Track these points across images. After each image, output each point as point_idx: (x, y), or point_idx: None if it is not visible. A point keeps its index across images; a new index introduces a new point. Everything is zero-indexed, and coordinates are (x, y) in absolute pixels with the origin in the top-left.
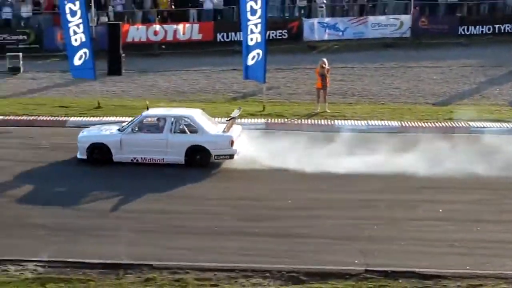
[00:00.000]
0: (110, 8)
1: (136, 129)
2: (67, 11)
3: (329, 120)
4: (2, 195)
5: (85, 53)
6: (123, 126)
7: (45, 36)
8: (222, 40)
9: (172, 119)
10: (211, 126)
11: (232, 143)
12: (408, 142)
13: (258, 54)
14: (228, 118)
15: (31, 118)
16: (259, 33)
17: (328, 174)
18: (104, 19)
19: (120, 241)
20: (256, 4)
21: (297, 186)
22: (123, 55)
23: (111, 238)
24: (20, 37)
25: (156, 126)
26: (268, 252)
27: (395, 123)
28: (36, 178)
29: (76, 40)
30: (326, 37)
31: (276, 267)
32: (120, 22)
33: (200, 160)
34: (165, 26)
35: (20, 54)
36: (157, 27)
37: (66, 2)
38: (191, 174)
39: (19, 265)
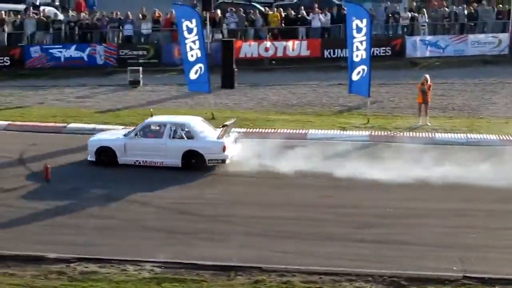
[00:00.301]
0: (224, 25)
1: (139, 135)
2: (184, 28)
3: (429, 133)
4: (121, 199)
5: (200, 67)
6: (128, 132)
7: (163, 52)
8: (329, 56)
9: (171, 125)
10: (207, 133)
11: (224, 148)
12: (505, 155)
13: (363, 69)
14: (221, 126)
15: None
16: (364, 50)
17: (423, 183)
18: (219, 36)
19: (231, 244)
20: (362, 22)
21: (394, 195)
22: (236, 69)
23: (222, 242)
24: (140, 52)
25: (157, 132)
26: (370, 258)
27: (493, 137)
28: (152, 183)
29: (192, 55)
30: (427, 54)
31: (378, 272)
32: (234, 39)
33: (195, 164)
34: (276, 42)
35: (140, 68)
36: (268, 43)
37: (183, 20)
38: (288, 182)
39: (137, 265)
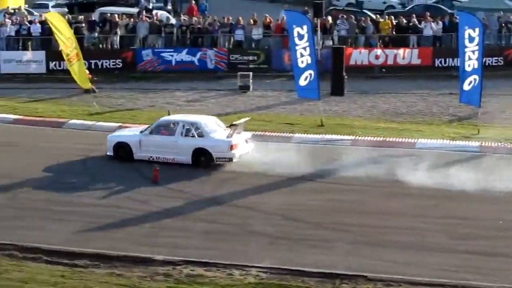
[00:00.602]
0: (335, 32)
1: (154, 132)
2: (295, 34)
3: None
4: (228, 203)
5: (310, 74)
6: (144, 129)
7: (273, 57)
8: (440, 65)
9: (183, 124)
10: (217, 132)
11: (231, 147)
12: None
13: (474, 79)
14: (229, 125)
15: (258, 133)
16: (476, 59)
17: None
18: (329, 42)
19: (336, 252)
20: (474, 32)
21: (503, 207)
22: (346, 76)
23: (327, 249)
24: (251, 57)
25: (170, 130)
26: (476, 270)
27: None
28: (256, 188)
29: (302, 62)
30: None
31: (485, 284)
32: (344, 46)
33: (204, 162)
34: (386, 50)
35: (250, 73)
36: (379, 51)
37: (294, 26)
38: (394, 191)
39: (243, 270)
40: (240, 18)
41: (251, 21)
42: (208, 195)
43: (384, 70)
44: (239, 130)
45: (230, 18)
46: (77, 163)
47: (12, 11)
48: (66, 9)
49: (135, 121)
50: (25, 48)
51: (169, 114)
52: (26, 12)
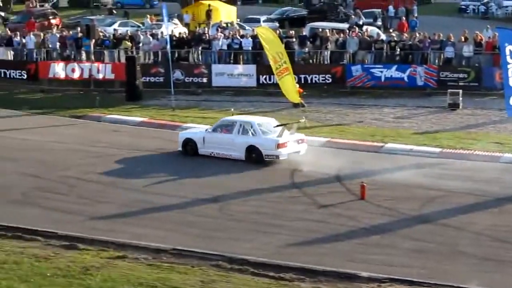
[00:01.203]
0: None
1: (216, 130)
2: (507, 53)
3: None
4: (435, 222)
5: None
6: (210, 127)
7: (484, 75)
8: None
9: (240, 123)
10: (270, 132)
11: (278, 146)
12: None
13: None
14: (278, 124)
15: (466, 152)
16: None
17: None
18: None
19: None
20: None
21: None
22: None
23: None
24: (461, 75)
25: (229, 128)
26: None
27: None
28: (471, 209)
29: None
30: None
31: None
32: None
33: (255, 158)
34: None
35: (460, 91)
36: None
37: (506, 44)
38: None
39: None
40: (451, 34)
41: (462, 38)
42: (415, 213)
43: None
44: (291, 130)
45: (441, 34)
46: (283, 176)
47: (225, 25)
48: (277, 24)
49: (343, 137)
50: (236, 62)
51: (232, 115)
52: (238, 27)
